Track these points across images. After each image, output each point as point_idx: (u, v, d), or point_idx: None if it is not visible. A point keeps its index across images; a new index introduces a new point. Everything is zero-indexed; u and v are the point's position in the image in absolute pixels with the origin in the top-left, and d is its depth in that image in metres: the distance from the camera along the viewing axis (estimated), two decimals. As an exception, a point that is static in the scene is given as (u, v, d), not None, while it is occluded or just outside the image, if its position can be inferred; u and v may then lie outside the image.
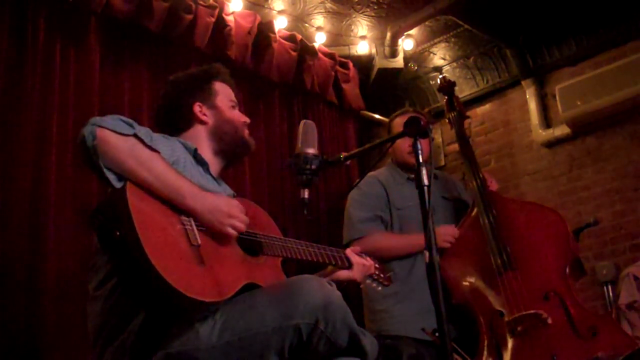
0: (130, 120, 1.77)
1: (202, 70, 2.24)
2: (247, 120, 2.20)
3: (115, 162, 1.68)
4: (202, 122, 2.12)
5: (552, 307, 2.76)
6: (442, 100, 3.57)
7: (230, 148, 2.13)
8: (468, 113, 4.71)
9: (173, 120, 2.14)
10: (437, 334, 1.70)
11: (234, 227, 1.79)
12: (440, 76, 3.82)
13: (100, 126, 1.68)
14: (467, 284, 2.95)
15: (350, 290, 2.16)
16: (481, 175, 3.20)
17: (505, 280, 2.85)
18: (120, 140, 1.70)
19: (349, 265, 2.11)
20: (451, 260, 3.00)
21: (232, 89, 2.24)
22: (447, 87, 3.55)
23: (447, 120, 3.56)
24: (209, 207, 1.76)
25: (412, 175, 3.13)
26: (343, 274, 2.10)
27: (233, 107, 2.18)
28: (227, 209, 1.79)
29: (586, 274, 3.30)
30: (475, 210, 3.11)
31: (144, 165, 1.70)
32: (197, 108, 2.12)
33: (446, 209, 3.24)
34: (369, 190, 3.22)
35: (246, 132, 2.17)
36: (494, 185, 3.28)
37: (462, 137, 3.41)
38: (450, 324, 2.83)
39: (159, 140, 1.88)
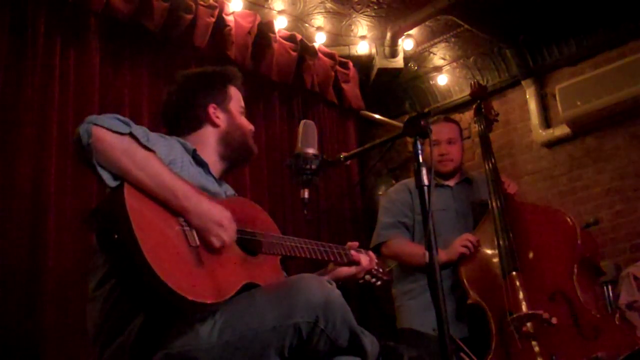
0: (127, 119, 1.75)
1: (219, 71, 2.21)
2: (253, 128, 2.20)
3: (110, 160, 1.67)
4: (215, 125, 2.10)
5: (558, 308, 2.76)
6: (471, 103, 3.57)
7: (235, 154, 2.13)
8: (468, 113, 4.75)
9: (183, 117, 2.11)
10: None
11: (218, 238, 1.74)
12: (473, 80, 3.79)
13: (96, 124, 1.67)
14: (480, 284, 2.98)
15: (350, 288, 2.15)
16: (493, 170, 3.21)
17: (519, 279, 2.86)
18: (116, 139, 1.69)
19: (350, 262, 2.10)
20: (468, 261, 3.05)
21: (242, 95, 2.23)
22: (479, 92, 3.54)
23: (475, 125, 3.55)
24: (200, 211, 1.73)
25: (442, 182, 3.24)
26: (344, 270, 2.09)
27: (242, 113, 2.18)
28: (219, 218, 1.75)
29: (604, 273, 3.31)
30: (490, 213, 3.13)
31: (138, 165, 1.68)
32: (211, 110, 2.10)
33: (476, 214, 3.26)
34: (395, 197, 3.35)
35: (251, 140, 2.17)
36: (512, 188, 3.28)
37: (485, 142, 3.38)
38: (463, 323, 2.97)
39: (157, 139, 1.86)
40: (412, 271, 3.17)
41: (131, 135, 1.71)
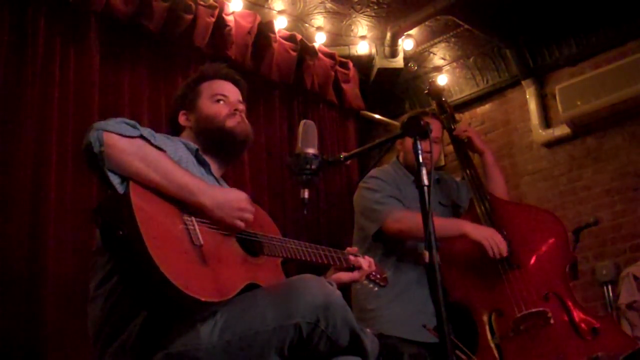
0: (134, 122, 1.77)
1: (192, 78, 2.27)
2: (233, 109, 2.13)
3: (123, 165, 1.68)
4: (188, 128, 2.15)
5: (553, 308, 2.77)
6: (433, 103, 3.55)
7: (213, 142, 2.10)
8: (468, 113, 4.76)
9: (171, 131, 2.19)
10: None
11: (243, 220, 1.82)
12: (430, 81, 3.79)
13: (106, 131, 1.68)
14: (465, 281, 2.95)
15: (344, 288, 2.16)
16: (473, 173, 3.18)
17: (511, 278, 2.85)
18: (128, 143, 1.70)
19: (351, 267, 2.12)
20: (448, 258, 2.98)
21: (228, 79, 2.21)
22: (436, 92, 3.52)
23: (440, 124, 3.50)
24: (218, 202, 1.77)
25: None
26: (344, 275, 2.11)
27: (217, 100, 2.14)
28: (237, 203, 1.81)
29: (578, 278, 3.29)
30: (472, 208, 3.11)
31: (151, 166, 1.71)
32: (182, 117, 2.16)
33: (442, 215, 3.21)
34: (386, 178, 3.17)
35: (229, 121, 2.10)
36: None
37: (456, 139, 3.37)
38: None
39: (162, 140, 1.89)
40: (390, 267, 2.98)
41: (141, 137, 1.74)
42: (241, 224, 1.82)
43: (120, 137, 1.70)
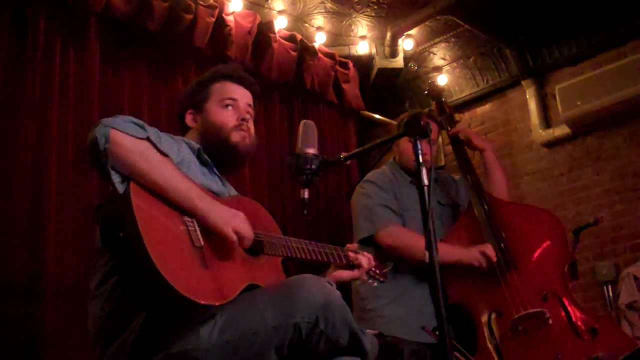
0: (141, 122, 1.77)
1: (204, 76, 2.23)
2: (240, 119, 2.10)
3: (126, 164, 1.68)
4: (194, 128, 2.13)
5: (551, 308, 2.77)
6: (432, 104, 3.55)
7: (215, 151, 2.07)
8: (468, 113, 4.76)
9: (178, 128, 2.18)
10: (437, 332, 1.70)
11: (236, 231, 1.75)
12: (430, 82, 3.79)
13: (113, 128, 1.68)
14: (464, 283, 2.95)
15: (344, 288, 2.15)
16: (472, 176, 3.18)
17: (509, 279, 2.85)
18: (134, 143, 1.70)
19: (352, 265, 2.12)
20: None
21: (241, 82, 2.18)
22: (436, 93, 3.52)
23: (439, 125, 3.49)
24: (213, 209, 1.75)
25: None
26: (344, 273, 2.11)
27: (226, 105, 2.11)
28: (234, 213, 1.79)
29: (578, 278, 3.29)
30: (470, 209, 3.11)
31: (155, 169, 1.70)
32: (189, 117, 2.15)
33: (442, 214, 3.22)
34: (382, 183, 3.18)
35: (234, 135, 2.07)
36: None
37: (455, 140, 3.37)
38: (448, 324, 2.88)
39: (167, 140, 1.88)
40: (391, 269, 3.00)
41: (148, 139, 1.74)
42: (233, 236, 1.74)
43: (127, 136, 1.69)
